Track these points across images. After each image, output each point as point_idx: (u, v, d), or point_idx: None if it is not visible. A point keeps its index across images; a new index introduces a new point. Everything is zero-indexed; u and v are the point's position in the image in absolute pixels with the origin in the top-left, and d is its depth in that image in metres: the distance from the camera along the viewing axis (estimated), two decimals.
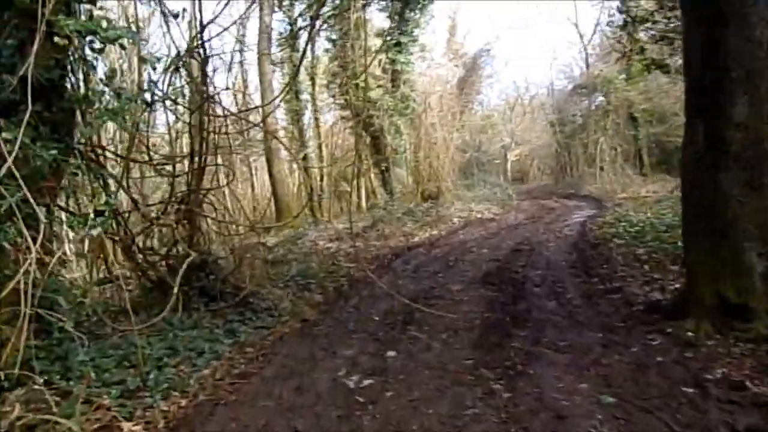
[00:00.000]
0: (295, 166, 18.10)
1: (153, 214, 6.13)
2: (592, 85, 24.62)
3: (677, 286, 5.17)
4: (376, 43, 18.11)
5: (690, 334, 3.91)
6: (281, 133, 17.15)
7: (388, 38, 17.77)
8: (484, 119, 29.21)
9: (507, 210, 17.32)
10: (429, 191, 17.82)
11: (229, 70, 9.92)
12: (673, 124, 24.10)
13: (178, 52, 5.62)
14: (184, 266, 5.02)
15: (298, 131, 16.94)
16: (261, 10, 15.72)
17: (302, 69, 17.06)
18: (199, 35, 5.63)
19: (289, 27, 16.50)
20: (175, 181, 6.01)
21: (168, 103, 6.87)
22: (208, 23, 5.72)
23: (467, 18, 38.27)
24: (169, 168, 6.31)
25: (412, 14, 17.40)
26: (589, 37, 27.62)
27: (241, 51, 21.75)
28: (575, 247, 8.72)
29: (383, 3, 17.98)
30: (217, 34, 6.06)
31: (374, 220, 11.84)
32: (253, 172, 22.11)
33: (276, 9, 16.24)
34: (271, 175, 16.11)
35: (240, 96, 18.81)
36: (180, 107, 6.36)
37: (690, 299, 4.16)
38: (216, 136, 6.02)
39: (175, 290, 4.66)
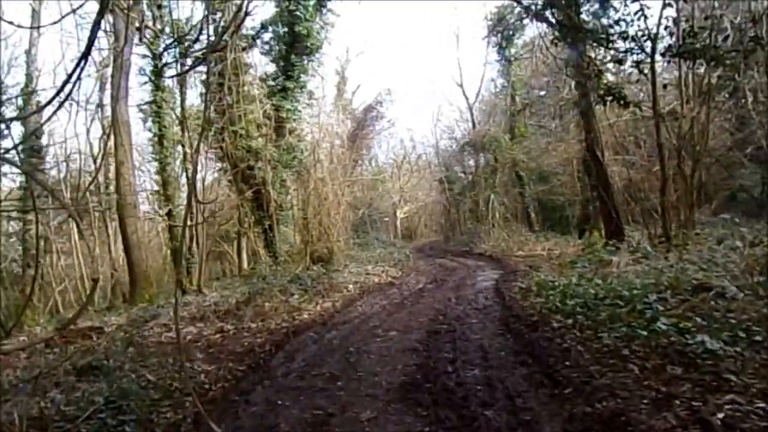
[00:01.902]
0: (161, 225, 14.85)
1: None
2: (479, 144, 24.15)
3: (723, 415, 3.17)
4: (258, 86, 15.85)
5: None
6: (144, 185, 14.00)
7: (272, 83, 15.60)
8: (375, 174, 27.71)
9: (406, 272, 15.29)
10: (319, 252, 15.36)
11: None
12: (555, 184, 24.21)
13: None
14: None
15: (163, 183, 13.80)
16: (116, 40, 12.83)
17: (171, 113, 14.21)
18: None
19: (152, 63, 13.65)
20: None
21: None
22: None
23: (356, 73, 38.07)
24: None
25: (299, 59, 15.43)
26: (473, 97, 27.63)
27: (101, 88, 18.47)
28: (507, 327, 6.69)
29: (267, 46, 15.91)
30: None
31: (251, 293, 9.07)
32: (111, 232, 18.32)
33: (137, 42, 13.38)
34: (125, 236, 12.72)
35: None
36: None
37: None
38: None
39: None
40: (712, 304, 5.50)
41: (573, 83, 19.72)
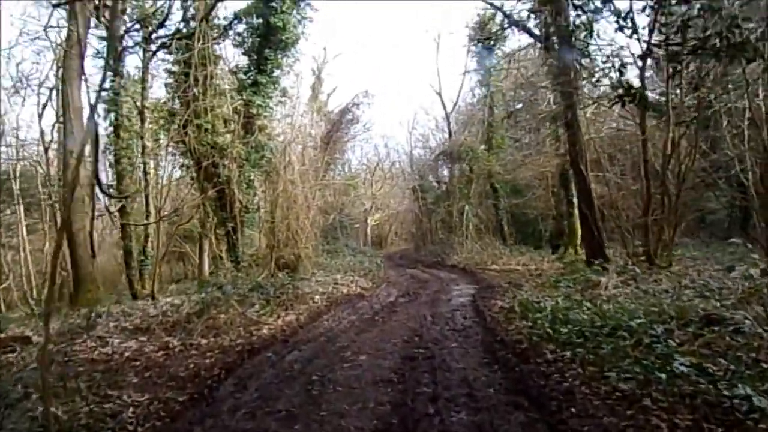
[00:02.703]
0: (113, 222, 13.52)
1: None
2: (456, 153, 23.50)
3: None
4: (229, 81, 14.80)
5: None
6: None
7: (243, 76, 14.55)
8: (348, 179, 26.76)
9: (376, 283, 14.39)
10: (286, 259, 14.32)
11: None
12: (530, 197, 23.74)
13: None
14: None
15: (117, 178, 12.56)
16: (73, 18, 11.58)
17: (130, 102, 12.99)
18: None
19: (111, 47, 12.42)
20: None
21: None
22: None
23: (333, 76, 37.33)
24: None
25: (272, 53, 14.43)
26: (451, 106, 27.00)
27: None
28: (493, 355, 5.86)
29: (239, 38, 14.86)
30: None
31: (204, 304, 7.98)
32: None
33: (94, 21, 12.16)
34: (69, 233, 11.42)
35: None
36: None
37: None
38: None
39: None
40: (729, 341, 4.79)
41: (552, 96, 19.38)
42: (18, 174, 20.42)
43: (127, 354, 6.35)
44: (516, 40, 23.54)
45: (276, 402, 4.61)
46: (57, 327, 7.82)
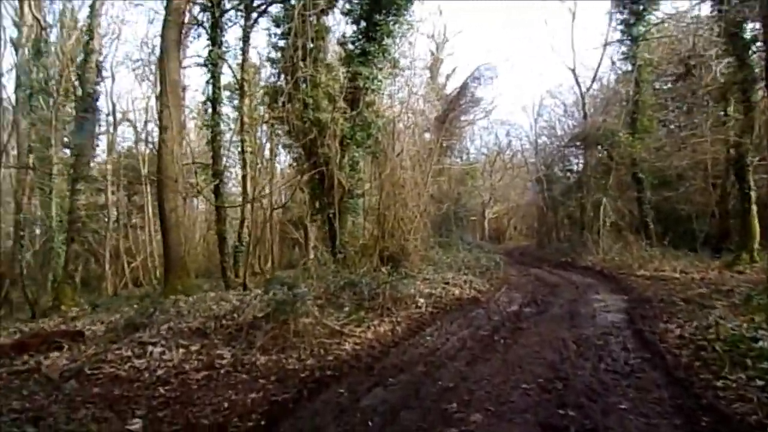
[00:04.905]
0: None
1: None
2: (592, 138, 19.80)
3: None
4: (336, 54, 13.18)
5: None
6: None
7: (351, 46, 12.76)
8: (465, 166, 24.14)
9: (495, 284, 11.85)
10: (391, 250, 12.33)
11: None
12: (687, 190, 19.34)
13: None
14: None
15: (213, 156, 11.40)
16: None
17: (227, 73, 11.80)
18: None
19: (210, 14, 11.25)
20: None
21: None
22: None
23: (452, 57, 34.63)
24: None
25: (383, 19, 12.43)
26: (586, 86, 23.11)
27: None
28: None
29: (348, 5, 13.07)
30: None
31: (275, 306, 6.15)
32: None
33: None
34: (162, 214, 10.47)
35: None
36: None
37: None
38: None
39: None
40: None
41: (719, 68, 15.31)
42: (146, 158, 20.94)
43: (159, 372, 4.68)
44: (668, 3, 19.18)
45: None
46: (109, 323, 6.52)
